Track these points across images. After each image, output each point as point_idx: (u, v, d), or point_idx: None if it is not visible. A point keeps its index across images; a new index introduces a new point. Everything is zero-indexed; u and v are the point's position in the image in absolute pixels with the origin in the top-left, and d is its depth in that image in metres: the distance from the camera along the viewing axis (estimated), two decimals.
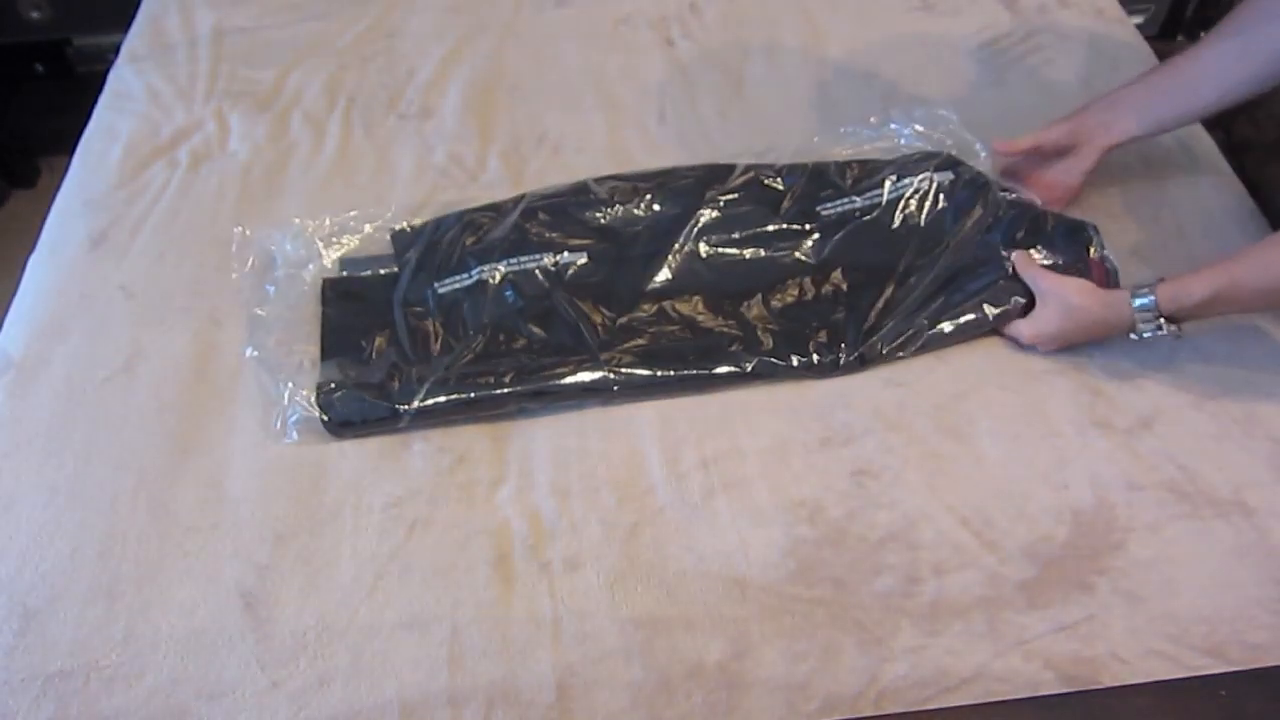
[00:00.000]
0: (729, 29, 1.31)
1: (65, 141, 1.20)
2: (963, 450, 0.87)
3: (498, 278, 0.97)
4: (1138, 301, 0.84)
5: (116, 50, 1.32)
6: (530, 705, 0.73)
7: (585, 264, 0.98)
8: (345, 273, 1.01)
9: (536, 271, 0.97)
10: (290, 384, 0.90)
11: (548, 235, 1.01)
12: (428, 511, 0.84)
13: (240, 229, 1.05)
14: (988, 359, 0.93)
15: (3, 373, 0.94)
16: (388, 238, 1.04)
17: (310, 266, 1.01)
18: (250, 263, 1.02)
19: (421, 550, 0.81)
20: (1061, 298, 0.89)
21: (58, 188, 1.13)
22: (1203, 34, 1.25)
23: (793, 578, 0.79)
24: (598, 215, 1.03)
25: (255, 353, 0.94)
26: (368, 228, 1.05)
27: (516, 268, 0.98)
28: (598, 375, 0.90)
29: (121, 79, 1.27)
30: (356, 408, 0.88)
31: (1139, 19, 1.74)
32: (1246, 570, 0.79)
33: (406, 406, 0.88)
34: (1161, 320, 0.84)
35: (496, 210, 1.05)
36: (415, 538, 0.82)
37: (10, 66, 1.93)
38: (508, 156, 1.15)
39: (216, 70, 1.27)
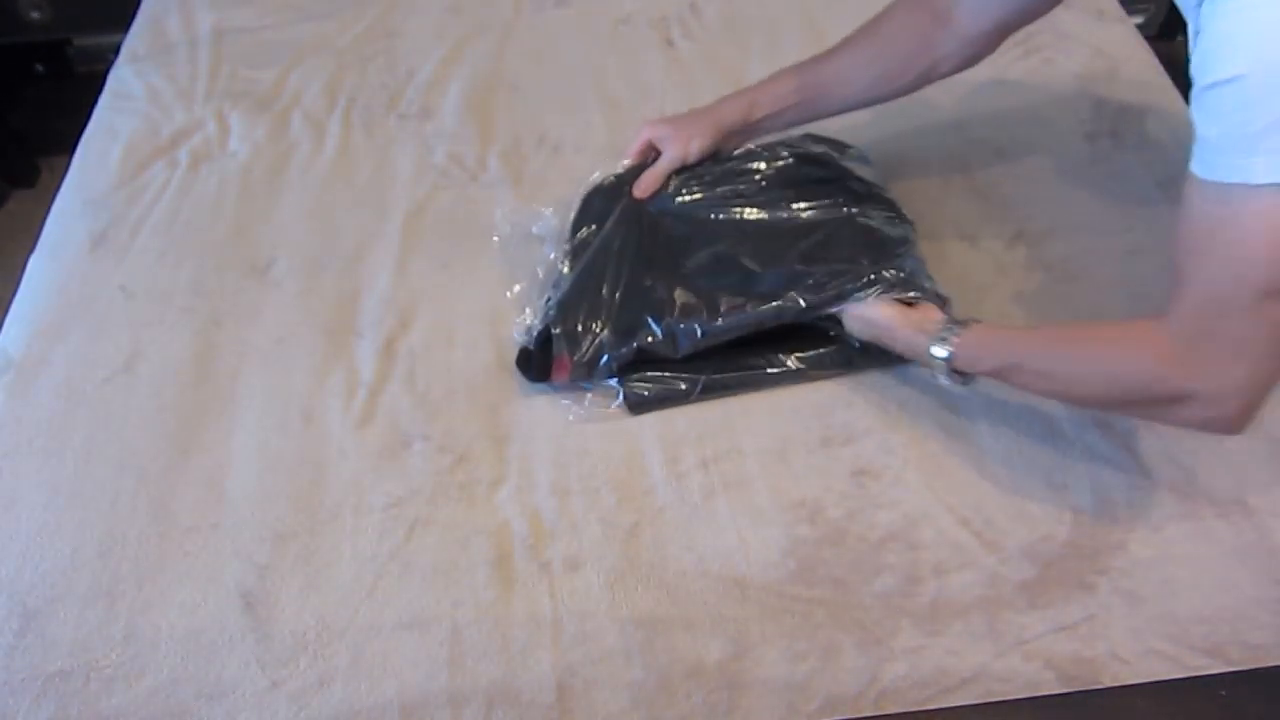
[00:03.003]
0: (729, 29, 1.31)
1: (65, 141, 1.20)
2: (963, 450, 0.87)
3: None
4: (934, 349, 0.81)
5: (116, 50, 1.32)
6: (530, 705, 0.73)
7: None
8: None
9: None
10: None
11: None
12: (428, 511, 0.84)
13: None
14: None
15: (3, 373, 0.94)
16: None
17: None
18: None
19: (421, 550, 0.81)
20: (872, 309, 0.87)
21: (58, 188, 1.13)
22: None
23: (793, 578, 0.79)
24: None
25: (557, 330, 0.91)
26: None
27: None
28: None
29: (121, 79, 1.27)
30: (658, 390, 0.90)
31: (1139, 19, 1.74)
32: (1246, 570, 0.79)
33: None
34: (952, 372, 0.82)
35: None
36: (415, 538, 0.82)
37: (10, 66, 1.94)
38: (508, 156, 1.15)
39: (216, 70, 1.27)
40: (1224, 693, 0.73)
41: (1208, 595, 0.77)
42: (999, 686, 0.73)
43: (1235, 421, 0.67)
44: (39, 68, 1.94)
